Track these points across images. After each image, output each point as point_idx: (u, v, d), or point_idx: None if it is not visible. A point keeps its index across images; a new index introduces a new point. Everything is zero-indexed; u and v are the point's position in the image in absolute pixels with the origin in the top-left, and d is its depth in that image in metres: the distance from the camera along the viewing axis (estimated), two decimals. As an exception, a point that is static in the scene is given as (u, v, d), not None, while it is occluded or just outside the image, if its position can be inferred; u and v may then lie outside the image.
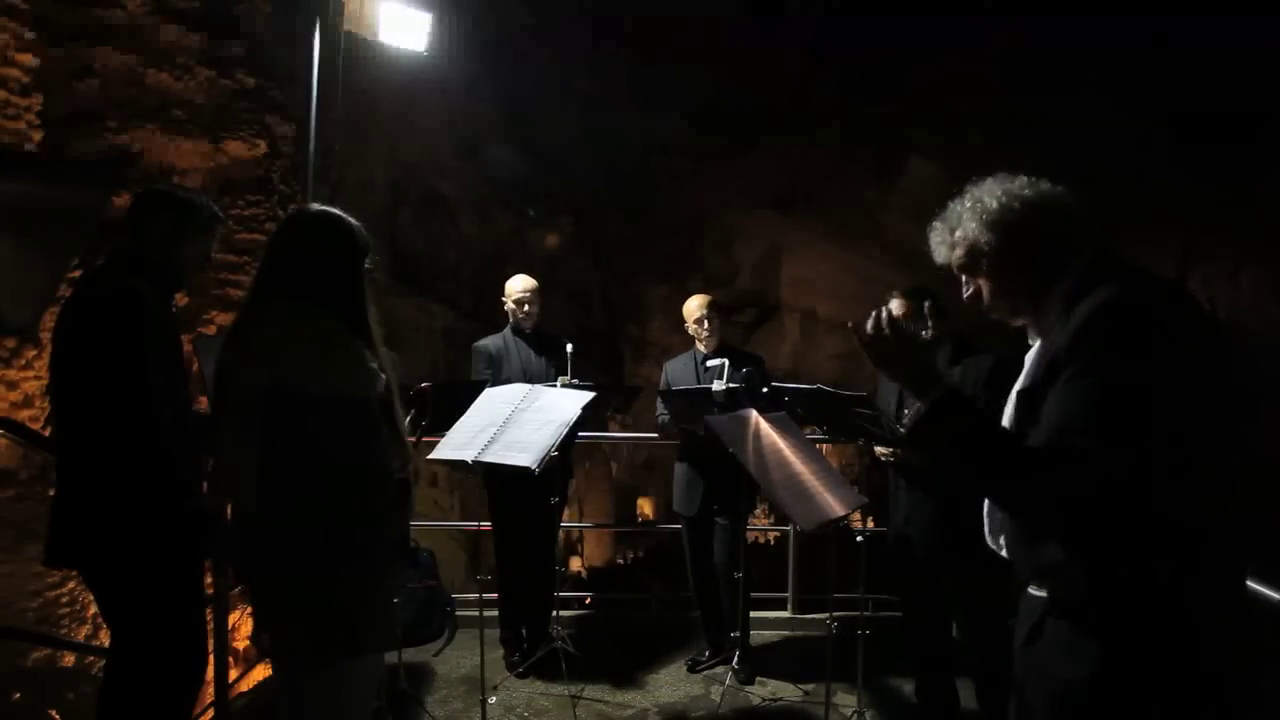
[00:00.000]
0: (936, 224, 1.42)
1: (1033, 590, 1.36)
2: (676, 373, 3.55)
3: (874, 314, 1.32)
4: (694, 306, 3.47)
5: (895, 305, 2.75)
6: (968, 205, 1.37)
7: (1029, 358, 1.38)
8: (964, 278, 1.42)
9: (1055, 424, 1.19)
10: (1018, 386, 1.35)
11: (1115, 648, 1.18)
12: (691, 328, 3.49)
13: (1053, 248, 1.31)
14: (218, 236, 2.28)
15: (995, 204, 1.34)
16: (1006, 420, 1.35)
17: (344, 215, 1.80)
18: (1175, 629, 1.16)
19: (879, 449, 2.89)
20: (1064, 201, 1.33)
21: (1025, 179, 1.35)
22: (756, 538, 10.91)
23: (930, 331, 2.60)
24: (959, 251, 1.39)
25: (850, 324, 1.35)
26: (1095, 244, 1.31)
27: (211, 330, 4.80)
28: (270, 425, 1.60)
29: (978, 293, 1.41)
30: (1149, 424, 1.13)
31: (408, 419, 2.16)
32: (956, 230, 1.38)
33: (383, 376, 1.76)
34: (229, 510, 1.65)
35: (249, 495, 1.60)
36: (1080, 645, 1.21)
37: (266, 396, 1.60)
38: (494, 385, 3.15)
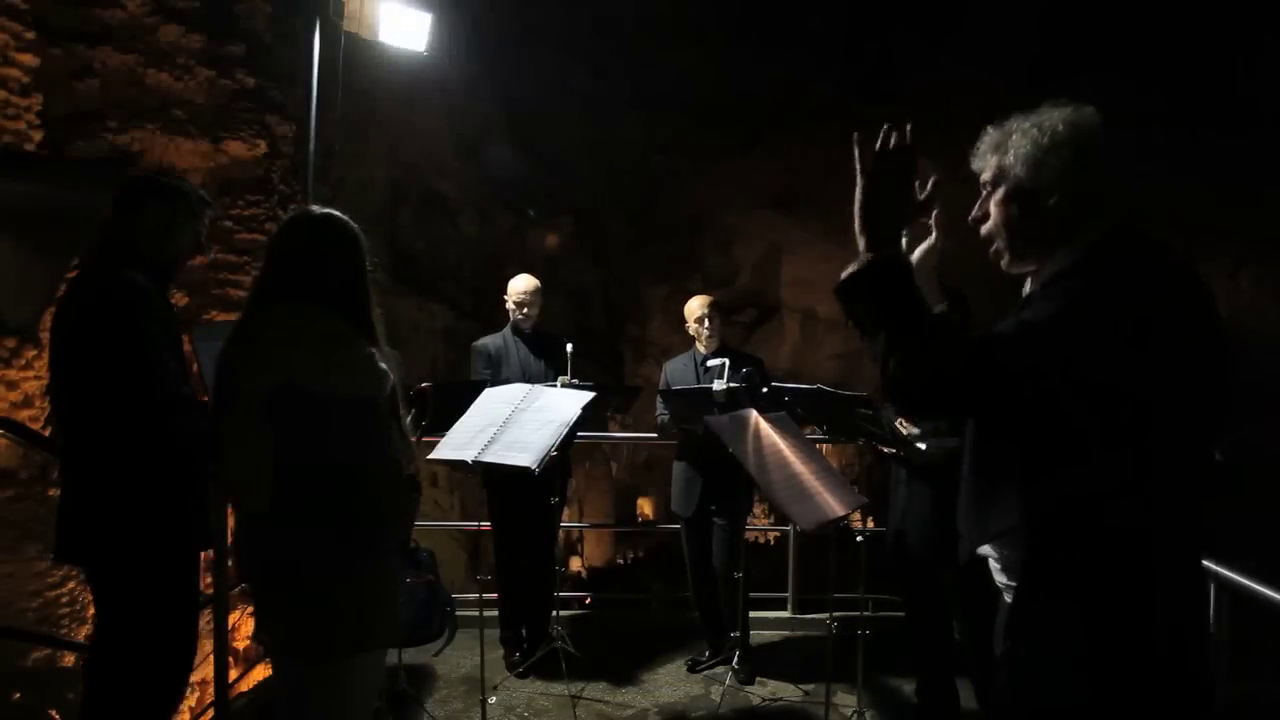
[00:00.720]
0: (990, 129, 1.33)
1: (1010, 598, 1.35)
2: (676, 373, 3.55)
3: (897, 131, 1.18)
4: (695, 307, 3.48)
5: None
6: (1025, 125, 1.26)
7: None
8: (983, 193, 1.33)
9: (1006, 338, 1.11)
10: None
11: (1107, 662, 1.11)
12: (692, 328, 3.49)
13: (1073, 212, 1.22)
14: (208, 221, 2.27)
15: (1046, 140, 1.23)
16: None
17: (346, 218, 1.81)
18: (1169, 641, 1.11)
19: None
20: (1111, 173, 1.24)
21: (1098, 125, 1.25)
22: (756, 538, 10.90)
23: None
24: (992, 162, 1.30)
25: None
26: (1117, 218, 1.23)
27: (211, 330, 4.80)
28: (277, 427, 1.60)
29: (985, 217, 1.32)
30: (1141, 422, 1.09)
31: (408, 419, 2.17)
32: (1000, 146, 1.30)
33: (391, 377, 1.76)
34: (235, 510, 1.65)
35: (259, 496, 1.60)
36: (1067, 660, 1.15)
37: (273, 398, 1.60)
38: (493, 385, 3.16)
